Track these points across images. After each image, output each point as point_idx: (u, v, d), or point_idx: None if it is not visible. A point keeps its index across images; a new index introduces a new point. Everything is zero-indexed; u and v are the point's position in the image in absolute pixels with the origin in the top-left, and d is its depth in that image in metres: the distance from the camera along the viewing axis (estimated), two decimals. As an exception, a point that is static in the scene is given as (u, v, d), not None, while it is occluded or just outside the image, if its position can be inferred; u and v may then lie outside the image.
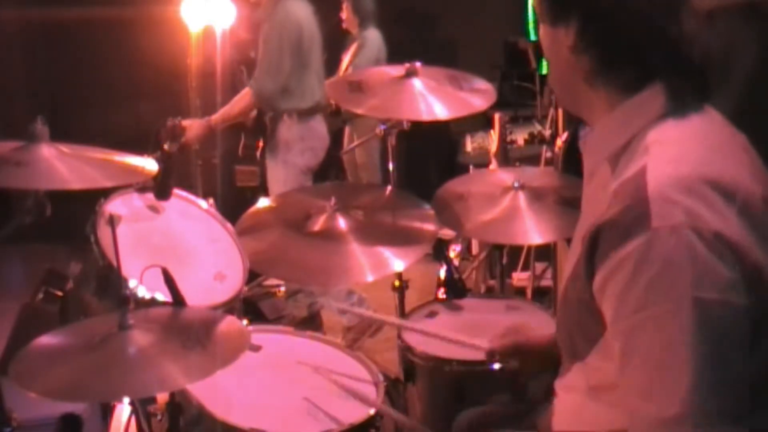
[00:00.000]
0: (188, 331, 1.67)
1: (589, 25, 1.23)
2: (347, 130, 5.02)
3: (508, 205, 2.37)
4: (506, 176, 2.47)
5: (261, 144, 4.02)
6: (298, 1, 3.85)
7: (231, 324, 1.76)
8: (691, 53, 1.23)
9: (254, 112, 4.02)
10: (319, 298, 4.00)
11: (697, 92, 1.25)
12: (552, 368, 1.59)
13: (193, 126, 3.68)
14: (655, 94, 1.23)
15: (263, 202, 2.48)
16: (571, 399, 1.40)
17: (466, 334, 2.21)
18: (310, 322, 4.06)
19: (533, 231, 2.35)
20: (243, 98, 3.80)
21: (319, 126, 3.95)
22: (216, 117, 3.79)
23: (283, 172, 3.87)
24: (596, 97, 1.28)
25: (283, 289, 4.31)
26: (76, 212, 2.03)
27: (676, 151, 1.18)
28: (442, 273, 2.26)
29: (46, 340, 1.63)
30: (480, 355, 2.03)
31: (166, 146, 2.29)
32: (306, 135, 3.87)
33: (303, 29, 3.81)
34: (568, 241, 3.11)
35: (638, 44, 1.22)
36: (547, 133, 4.10)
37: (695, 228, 1.10)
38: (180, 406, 1.79)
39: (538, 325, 2.20)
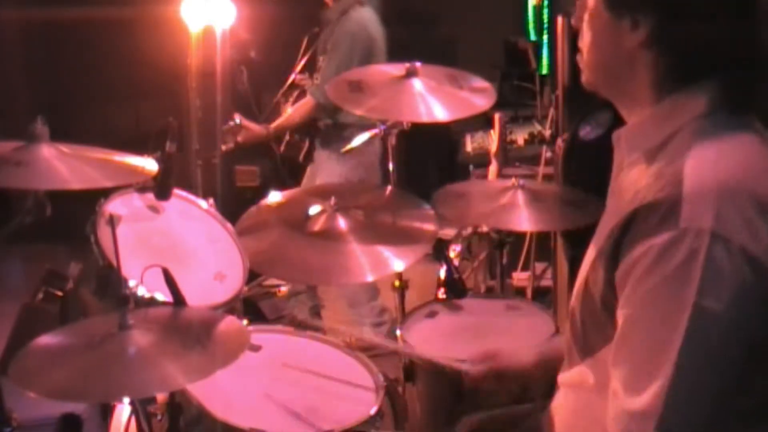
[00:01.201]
0: (188, 331, 1.68)
1: (666, 25, 1.20)
2: (348, 130, 5.00)
3: (508, 201, 2.41)
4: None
5: (306, 146, 3.97)
6: (369, 12, 3.75)
7: (231, 324, 1.76)
8: (759, 55, 1.21)
9: None
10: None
11: (748, 96, 1.22)
12: (521, 392, 1.68)
13: (250, 127, 3.75)
14: (703, 91, 1.21)
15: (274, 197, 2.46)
16: (577, 397, 1.39)
17: (465, 334, 2.22)
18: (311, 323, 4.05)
19: (533, 219, 2.39)
20: (304, 106, 3.75)
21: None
22: (275, 125, 3.81)
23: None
24: (645, 89, 1.25)
25: (283, 289, 4.30)
26: (76, 212, 2.03)
27: (718, 154, 1.16)
28: (442, 273, 2.26)
29: (46, 340, 1.63)
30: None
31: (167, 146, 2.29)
32: (363, 149, 3.72)
33: (375, 41, 3.70)
34: (566, 239, 3.12)
35: (715, 47, 1.19)
36: (547, 133, 4.09)
37: (721, 236, 1.08)
38: (180, 406, 1.78)
39: (536, 326, 2.22)
